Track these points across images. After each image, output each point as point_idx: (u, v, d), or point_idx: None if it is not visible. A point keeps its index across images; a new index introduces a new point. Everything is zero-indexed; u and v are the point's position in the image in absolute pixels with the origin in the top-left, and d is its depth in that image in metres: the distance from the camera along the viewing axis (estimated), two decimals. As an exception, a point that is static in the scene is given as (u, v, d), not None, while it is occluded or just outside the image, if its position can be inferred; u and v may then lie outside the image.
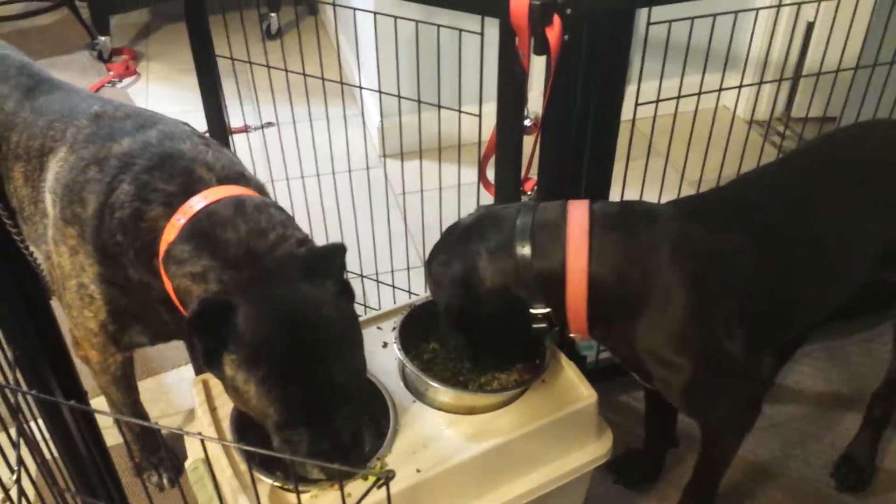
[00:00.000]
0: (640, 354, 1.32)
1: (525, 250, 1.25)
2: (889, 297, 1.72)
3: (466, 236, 1.30)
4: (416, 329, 1.42)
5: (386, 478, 0.71)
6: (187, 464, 1.34)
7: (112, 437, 1.84)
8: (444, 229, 1.39)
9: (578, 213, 1.27)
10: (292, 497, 1.19)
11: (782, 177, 1.47)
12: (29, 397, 1.01)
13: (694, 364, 1.30)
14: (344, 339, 1.18)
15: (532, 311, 1.27)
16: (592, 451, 1.38)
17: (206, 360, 1.15)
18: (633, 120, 1.58)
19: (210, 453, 1.27)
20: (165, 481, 1.75)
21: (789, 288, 1.39)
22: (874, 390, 1.80)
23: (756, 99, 2.34)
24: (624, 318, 1.28)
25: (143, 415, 1.70)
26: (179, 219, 1.22)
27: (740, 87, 1.75)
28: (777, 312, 1.40)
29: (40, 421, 1.13)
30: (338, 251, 1.23)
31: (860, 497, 1.79)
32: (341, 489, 0.75)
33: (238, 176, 1.33)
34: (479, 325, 1.30)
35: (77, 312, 1.38)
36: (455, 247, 1.29)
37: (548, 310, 1.27)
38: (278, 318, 1.13)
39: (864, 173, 1.46)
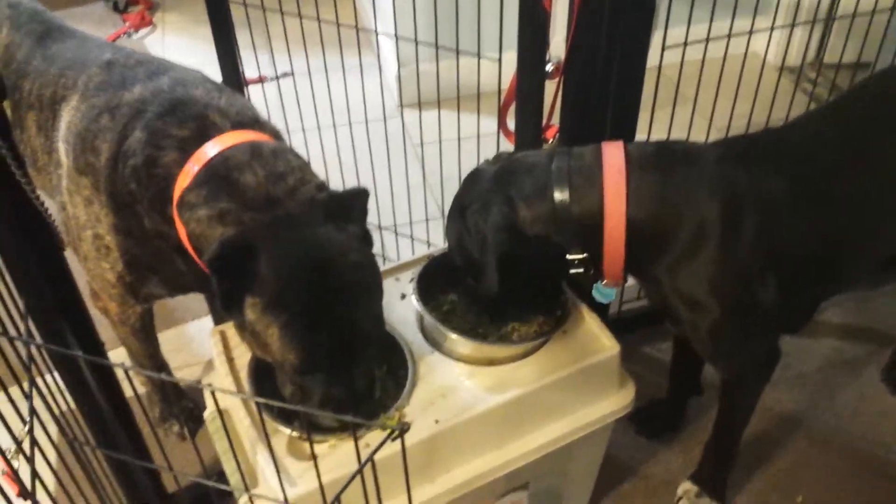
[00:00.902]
0: (671, 296, 1.30)
1: (563, 195, 1.23)
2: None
3: (499, 183, 1.26)
4: (434, 280, 1.39)
5: (401, 430, 0.69)
6: (206, 414, 1.34)
7: (132, 388, 1.86)
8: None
9: (614, 155, 1.24)
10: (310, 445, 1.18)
11: (835, 122, 1.41)
12: (43, 349, 1.00)
13: (723, 308, 1.28)
14: (368, 285, 1.17)
15: (569, 257, 1.26)
16: (614, 402, 1.36)
17: (224, 304, 1.13)
18: (660, 66, 1.53)
19: (228, 404, 1.26)
20: (186, 431, 1.76)
21: (835, 241, 1.35)
22: None
23: (787, 44, 2.26)
24: (658, 259, 1.27)
25: (163, 366, 1.70)
26: (193, 166, 1.19)
27: (772, 28, 1.69)
28: (820, 265, 1.36)
29: (56, 374, 1.13)
30: (360, 196, 1.20)
31: (890, 440, 1.76)
32: (355, 440, 0.73)
33: (252, 121, 1.30)
34: (517, 274, 1.26)
35: (94, 264, 1.37)
36: (490, 194, 1.25)
37: (584, 255, 1.26)
38: (303, 262, 1.11)
39: None
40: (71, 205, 1.37)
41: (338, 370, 1.13)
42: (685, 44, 1.53)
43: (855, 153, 1.36)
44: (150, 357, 1.62)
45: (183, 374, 1.90)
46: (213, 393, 0.70)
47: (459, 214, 1.29)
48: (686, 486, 1.65)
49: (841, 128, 1.39)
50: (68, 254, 1.26)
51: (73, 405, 1.18)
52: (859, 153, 1.36)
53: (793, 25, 1.75)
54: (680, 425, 1.81)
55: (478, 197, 1.26)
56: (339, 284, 1.12)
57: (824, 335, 2.03)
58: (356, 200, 1.20)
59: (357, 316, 1.13)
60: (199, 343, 2.04)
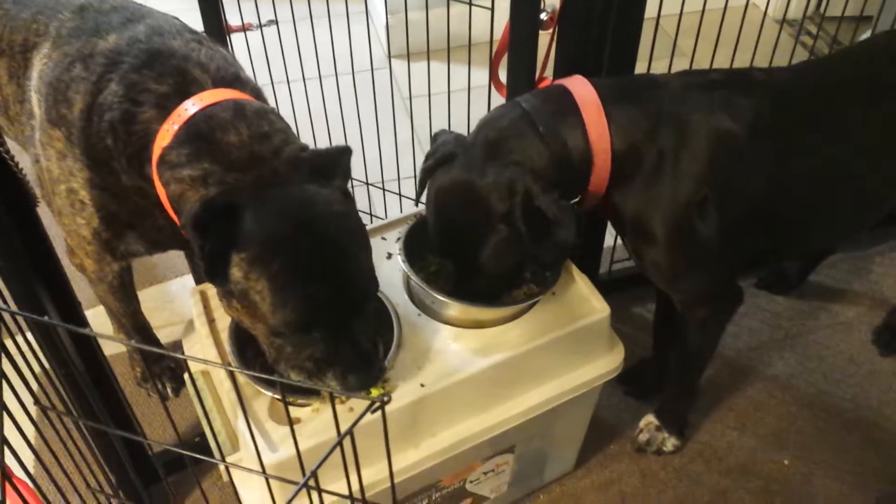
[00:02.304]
0: (625, 221, 1.32)
1: (556, 145, 1.21)
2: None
3: (495, 149, 1.21)
4: (422, 239, 1.35)
5: (382, 402, 0.66)
6: (186, 377, 1.31)
7: (112, 346, 1.82)
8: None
9: (586, 91, 1.24)
10: (294, 410, 1.16)
11: (819, 74, 1.39)
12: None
13: (665, 237, 1.29)
14: (357, 237, 1.13)
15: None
16: (603, 364, 1.34)
17: (208, 268, 1.07)
18: (658, 16, 1.48)
19: (209, 365, 1.23)
20: (169, 391, 1.74)
21: (798, 192, 1.34)
22: None
23: (788, -5, 2.21)
24: (621, 187, 1.27)
25: (144, 324, 1.66)
26: (173, 124, 1.14)
27: (775, -21, 1.62)
28: (773, 212, 1.35)
29: (28, 334, 1.09)
30: (344, 153, 1.16)
31: (878, 403, 1.76)
32: (334, 411, 0.70)
33: (234, 78, 1.24)
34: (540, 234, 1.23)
35: (69, 220, 1.32)
36: (493, 158, 1.21)
37: (579, 198, 1.25)
38: (289, 214, 1.07)
39: None
40: (44, 158, 1.31)
41: (338, 325, 1.09)
42: (685, -7, 1.47)
43: (831, 110, 1.33)
44: (131, 315, 1.58)
45: (165, 332, 1.87)
46: (186, 362, 0.67)
47: (471, 185, 1.22)
48: (648, 419, 1.68)
49: (824, 81, 1.37)
50: (43, 210, 1.21)
51: (47, 367, 1.15)
52: (835, 111, 1.33)
53: (795, -24, 1.70)
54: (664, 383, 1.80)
55: (483, 165, 1.20)
56: (329, 235, 1.08)
57: (815, 297, 2.01)
58: (339, 158, 1.16)
59: (351, 266, 1.09)
60: (181, 301, 2.00)
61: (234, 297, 1.10)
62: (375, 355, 1.15)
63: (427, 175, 1.28)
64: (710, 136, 1.24)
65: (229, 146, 1.11)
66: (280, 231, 1.06)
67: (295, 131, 1.22)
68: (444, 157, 1.25)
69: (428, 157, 1.30)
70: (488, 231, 1.21)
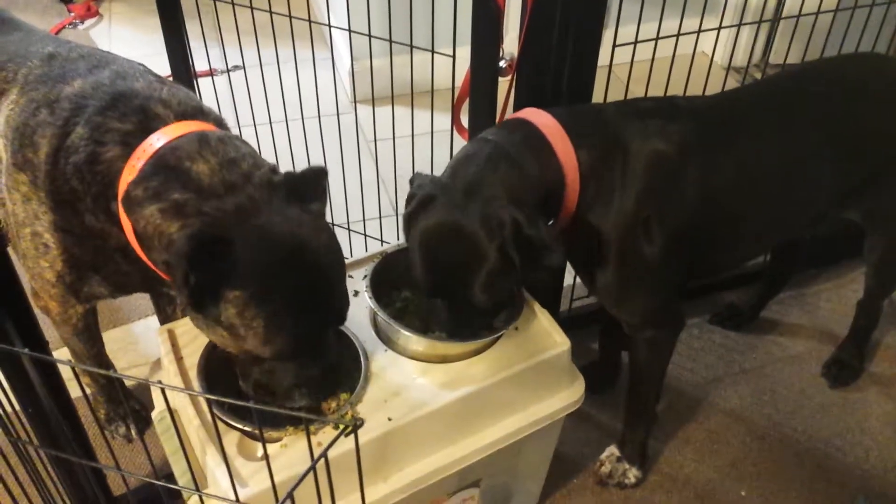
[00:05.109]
0: (582, 246, 1.38)
1: (532, 170, 1.27)
2: (858, 242, 1.73)
3: (476, 186, 1.25)
4: (387, 277, 1.39)
5: (354, 426, 0.69)
6: (154, 414, 1.31)
7: (78, 388, 1.81)
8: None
9: (548, 122, 1.31)
10: (261, 446, 1.17)
11: (748, 96, 1.51)
12: (-17, 347, 0.97)
13: (615, 257, 1.36)
14: (341, 264, 1.18)
15: None
16: (565, 397, 1.38)
17: (195, 300, 1.07)
18: (611, 64, 1.55)
19: (177, 403, 1.24)
20: (133, 432, 1.73)
21: (729, 206, 1.42)
22: (859, 300, 1.89)
23: (734, 44, 2.31)
24: (584, 210, 1.34)
25: (107, 366, 1.66)
26: (138, 160, 1.16)
27: (719, 28, 1.72)
28: (713, 230, 1.43)
29: (-2, 372, 1.09)
30: (319, 174, 1.19)
31: (828, 434, 1.82)
32: (308, 435, 0.72)
33: (196, 111, 1.27)
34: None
35: (33, 262, 1.33)
36: (475, 195, 1.23)
37: (551, 222, 1.32)
38: (281, 248, 1.09)
39: (837, 103, 1.48)
40: (10, 201, 1.32)
41: (317, 351, 1.15)
42: (635, 42, 1.55)
43: (747, 127, 1.43)
44: (95, 357, 1.58)
45: (129, 373, 1.86)
46: (163, 391, 0.69)
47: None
48: (610, 450, 1.73)
49: (739, 102, 1.48)
50: (11, 251, 1.22)
51: (17, 406, 1.15)
52: (751, 128, 1.43)
53: (739, 25, 1.79)
54: (615, 381, 1.91)
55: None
56: (319, 267, 1.12)
57: (767, 332, 2.08)
58: (316, 179, 1.19)
59: (335, 294, 1.14)
60: (146, 343, 1.99)
61: (219, 327, 1.10)
62: (339, 368, 1.21)
63: (410, 220, 1.29)
64: (647, 159, 1.32)
65: (199, 174, 1.13)
66: (275, 268, 1.08)
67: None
68: (425, 199, 1.26)
69: (408, 201, 1.31)
70: (481, 264, 1.23)
